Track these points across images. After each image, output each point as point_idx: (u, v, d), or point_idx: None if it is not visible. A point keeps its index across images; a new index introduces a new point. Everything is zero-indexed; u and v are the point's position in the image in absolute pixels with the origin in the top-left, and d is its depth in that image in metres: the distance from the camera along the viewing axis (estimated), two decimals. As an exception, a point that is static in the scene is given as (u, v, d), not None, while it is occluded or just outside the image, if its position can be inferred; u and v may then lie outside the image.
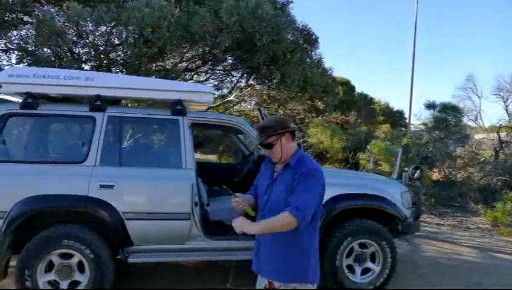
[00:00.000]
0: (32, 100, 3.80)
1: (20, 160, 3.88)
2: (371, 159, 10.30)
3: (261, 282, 2.48)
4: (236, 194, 2.52)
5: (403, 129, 15.88)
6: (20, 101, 3.89)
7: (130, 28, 5.98)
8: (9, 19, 6.50)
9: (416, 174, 5.11)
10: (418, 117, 16.21)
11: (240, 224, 2.28)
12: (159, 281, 4.67)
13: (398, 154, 5.68)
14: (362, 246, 4.34)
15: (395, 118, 18.86)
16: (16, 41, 7.05)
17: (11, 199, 3.56)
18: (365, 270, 4.37)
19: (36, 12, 6.19)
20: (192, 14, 6.13)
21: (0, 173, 3.64)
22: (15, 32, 7.03)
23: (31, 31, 6.58)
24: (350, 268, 4.33)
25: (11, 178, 3.65)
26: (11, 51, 7.14)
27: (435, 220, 9.03)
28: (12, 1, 6.31)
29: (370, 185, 4.56)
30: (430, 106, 13.14)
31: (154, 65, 6.88)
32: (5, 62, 7.30)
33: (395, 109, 20.07)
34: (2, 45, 7.22)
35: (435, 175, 11.82)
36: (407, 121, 13.65)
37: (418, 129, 15.08)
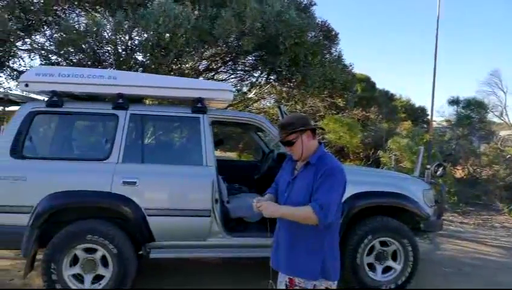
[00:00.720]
0: (57, 98, 3.89)
1: (46, 157, 3.97)
2: (392, 157, 10.18)
3: (282, 279, 2.49)
4: (257, 198, 2.52)
5: (425, 126, 15.63)
6: (46, 99, 3.99)
7: (146, 35, 6.07)
8: (33, 22, 6.67)
9: (438, 172, 5.04)
10: (441, 114, 15.93)
11: (265, 206, 2.33)
12: (179, 277, 4.73)
13: (420, 152, 5.59)
14: (383, 244, 4.30)
15: (417, 115, 18.55)
16: (40, 43, 7.24)
17: (37, 195, 3.66)
18: (386, 269, 4.33)
19: (59, 20, 6.34)
20: (213, 17, 6.14)
21: (27, 169, 3.73)
22: (37, 36, 7.22)
23: (54, 34, 6.74)
24: (371, 266, 4.30)
25: (37, 174, 3.75)
26: (35, 52, 7.33)
27: (458, 219, 8.89)
28: (34, 7, 6.46)
29: (391, 183, 4.52)
30: (453, 102, 12.90)
31: (170, 69, 6.94)
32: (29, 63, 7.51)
33: (417, 106, 19.74)
34: (28, 46, 7.41)
35: (459, 173, 11.62)
36: (429, 117, 13.42)
37: (441, 126, 14.83)
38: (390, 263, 4.32)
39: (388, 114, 15.56)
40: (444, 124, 14.66)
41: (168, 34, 5.76)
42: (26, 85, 3.87)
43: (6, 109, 4.40)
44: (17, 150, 3.77)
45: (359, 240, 4.20)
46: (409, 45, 57.24)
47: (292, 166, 2.52)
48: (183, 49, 5.99)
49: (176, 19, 5.68)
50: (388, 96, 18.07)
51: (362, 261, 4.21)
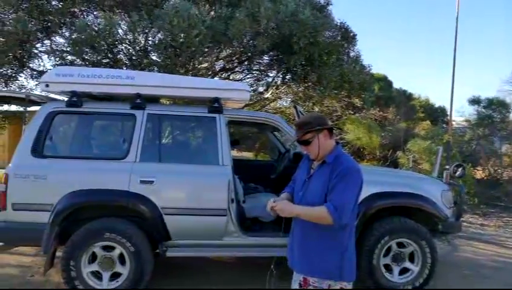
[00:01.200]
0: (77, 98, 3.96)
1: (65, 156, 4.06)
2: (410, 158, 10.05)
3: (297, 278, 2.49)
4: (273, 199, 2.53)
5: (444, 126, 15.38)
6: (66, 99, 4.07)
7: (161, 36, 6.12)
8: (51, 23, 6.80)
9: (458, 173, 4.95)
10: (461, 113, 15.62)
11: (280, 206, 2.35)
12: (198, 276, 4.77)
13: (439, 152, 5.51)
14: (400, 245, 4.26)
15: (436, 115, 18.26)
16: (58, 44, 7.39)
17: (57, 193, 3.74)
18: (404, 270, 4.28)
19: (74, 20, 6.45)
20: (227, 18, 6.16)
21: (47, 168, 3.81)
22: (57, 37, 7.36)
23: (72, 35, 6.87)
24: (388, 267, 4.26)
25: (57, 173, 3.83)
26: (54, 53, 7.47)
27: (478, 221, 8.73)
28: (51, 9, 6.59)
29: (409, 183, 4.46)
30: (474, 101, 12.66)
31: (186, 69, 6.99)
32: (47, 65, 7.66)
33: (436, 105, 19.42)
34: (47, 47, 7.56)
35: (479, 173, 11.40)
36: (448, 117, 13.20)
37: (461, 126, 14.56)
38: (407, 264, 4.27)
39: (406, 114, 15.36)
40: (464, 124, 14.39)
41: (182, 35, 5.80)
42: (47, 85, 3.95)
43: (28, 109, 4.50)
44: (38, 150, 3.86)
45: (376, 241, 4.16)
46: (428, 43, 56.41)
47: (308, 165, 2.52)
48: (197, 49, 6.02)
49: (190, 19, 5.71)
50: (406, 96, 17.83)
51: (379, 262, 4.18)
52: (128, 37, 6.40)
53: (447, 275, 4.96)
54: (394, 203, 4.28)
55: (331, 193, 2.26)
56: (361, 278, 4.04)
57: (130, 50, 6.75)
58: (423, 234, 4.24)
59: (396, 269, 4.27)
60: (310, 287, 2.35)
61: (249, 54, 7.42)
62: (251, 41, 6.77)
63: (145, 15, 6.12)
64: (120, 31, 6.38)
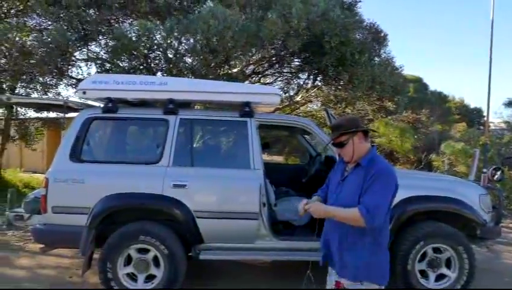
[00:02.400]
0: (112, 105, 4.08)
1: (102, 160, 4.19)
2: (445, 160, 9.78)
3: (330, 281, 2.48)
4: (305, 200, 2.52)
5: (481, 128, 14.89)
6: (102, 105, 4.20)
7: (195, 39, 6.22)
8: (89, 32, 7.04)
9: (496, 176, 4.79)
10: (499, 115, 15.09)
11: (314, 207, 2.38)
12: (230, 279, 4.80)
13: (476, 155, 5.34)
14: (436, 250, 4.15)
15: (472, 116, 17.73)
16: (95, 52, 7.64)
17: (94, 196, 3.85)
18: (440, 277, 4.17)
19: (112, 30, 6.66)
20: (259, 19, 6.21)
21: (85, 173, 3.94)
22: (93, 46, 7.62)
23: (109, 43, 7.09)
24: (423, 273, 4.15)
25: (94, 177, 3.95)
26: (92, 61, 7.73)
27: (518, 226, 8.38)
28: (89, 18, 6.82)
29: (445, 187, 4.35)
30: (510, 103, 12.19)
31: (220, 71, 7.08)
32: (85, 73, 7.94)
33: (472, 107, 18.87)
34: (84, 55, 7.84)
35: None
36: (485, 119, 12.76)
37: (499, 128, 14.05)
38: (444, 270, 4.15)
39: (441, 116, 14.98)
40: (502, 125, 13.88)
41: (216, 37, 5.88)
42: (84, 92, 4.09)
43: (65, 115, 4.67)
44: (75, 155, 3.99)
45: (411, 246, 4.07)
46: (464, 43, 54.85)
47: (343, 167, 2.51)
48: (231, 52, 6.08)
49: (225, 21, 5.78)
50: (441, 97, 17.41)
51: (414, 268, 4.08)
52: (163, 42, 6.54)
53: (486, 283, 4.78)
54: (430, 207, 4.18)
55: (364, 194, 2.25)
56: (395, 284, 3.96)
57: (165, 55, 6.90)
58: (460, 240, 4.12)
59: (432, 275, 4.15)
60: (343, 290, 2.34)
61: (280, 56, 7.43)
62: (282, 43, 6.78)
63: (179, 20, 6.24)
64: (156, 37, 6.52)
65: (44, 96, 7.39)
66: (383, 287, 2.35)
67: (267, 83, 8.99)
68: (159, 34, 6.39)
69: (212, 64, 6.55)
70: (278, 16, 6.10)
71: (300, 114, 10.12)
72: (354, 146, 2.38)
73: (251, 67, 8.46)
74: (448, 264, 4.16)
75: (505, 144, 11.49)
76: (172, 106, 4.11)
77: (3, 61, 8.22)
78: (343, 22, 6.34)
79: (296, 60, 7.82)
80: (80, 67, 7.85)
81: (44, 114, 9.61)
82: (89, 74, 7.69)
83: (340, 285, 2.39)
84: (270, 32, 6.09)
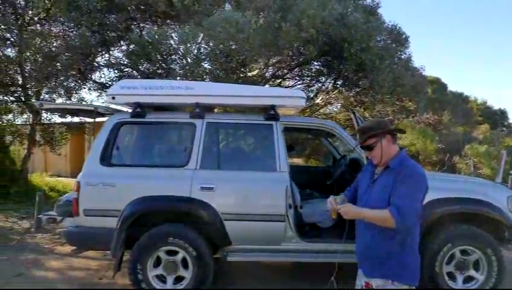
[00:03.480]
0: (140, 109, 4.17)
1: (131, 164, 4.28)
2: (470, 163, 9.65)
3: (359, 282, 2.51)
4: (332, 199, 2.54)
5: (505, 129, 14.64)
6: (130, 110, 4.29)
7: (210, 43, 6.29)
8: (110, 37, 7.19)
9: (524, 178, 4.73)
10: (523, 116, 14.79)
11: (344, 208, 2.38)
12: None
13: (503, 156, 5.27)
14: (464, 253, 4.12)
15: (495, 118, 17.41)
16: (117, 57, 7.80)
17: (124, 199, 3.94)
18: (468, 279, 4.13)
19: (129, 34, 6.79)
20: (277, 24, 6.22)
21: (115, 176, 4.03)
22: (115, 51, 7.78)
23: (128, 46, 7.23)
24: (451, 275, 4.13)
25: (124, 181, 4.04)
26: (113, 67, 7.90)
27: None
28: (108, 22, 6.97)
29: (473, 189, 4.32)
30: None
31: (235, 76, 7.14)
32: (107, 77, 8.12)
33: (495, 108, 18.54)
34: (105, 61, 8.01)
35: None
36: (510, 120, 12.54)
37: (523, 129, 13.79)
38: (472, 272, 4.12)
39: (463, 117, 14.77)
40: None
41: (230, 42, 5.92)
42: (113, 98, 4.18)
43: (88, 120, 4.78)
44: (106, 159, 4.09)
45: (438, 248, 4.05)
46: (486, 46, 53.91)
47: (372, 170, 2.53)
48: (246, 55, 6.11)
49: (238, 24, 5.82)
50: (462, 98, 17.16)
51: (441, 270, 4.06)
52: (180, 47, 6.64)
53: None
54: (458, 209, 4.14)
55: (394, 196, 2.27)
56: (422, 285, 3.94)
57: (183, 60, 6.99)
58: (488, 242, 4.08)
59: (460, 277, 4.13)
60: (373, 290, 2.36)
61: (299, 61, 7.45)
62: (301, 49, 6.79)
63: (194, 24, 6.32)
64: (172, 42, 6.62)
65: (75, 102, 7.57)
66: (413, 288, 2.36)
67: (287, 86, 9.00)
68: (176, 39, 6.47)
69: (228, 68, 6.60)
70: (292, 24, 6.10)
71: (320, 116, 10.11)
72: (382, 149, 2.40)
73: (270, 70, 8.49)
74: (476, 266, 4.12)
75: (530, 145, 11.27)
76: (199, 110, 4.18)
77: (28, 67, 8.48)
78: (364, 27, 6.31)
79: (315, 64, 7.82)
80: (102, 71, 8.02)
81: (69, 119, 9.80)
82: (114, 77, 7.84)
83: (369, 286, 2.41)
84: (287, 42, 6.09)
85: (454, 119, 14.13)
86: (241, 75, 7.38)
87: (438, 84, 16.19)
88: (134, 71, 7.45)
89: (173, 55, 6.93)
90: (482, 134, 12.11)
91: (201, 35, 6.31)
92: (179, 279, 3.99)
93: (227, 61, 6.40)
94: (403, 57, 7.99)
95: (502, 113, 17.69)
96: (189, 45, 6.62)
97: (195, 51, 6.89)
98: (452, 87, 17.56)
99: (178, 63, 7.17)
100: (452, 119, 14.03)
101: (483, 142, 10.94)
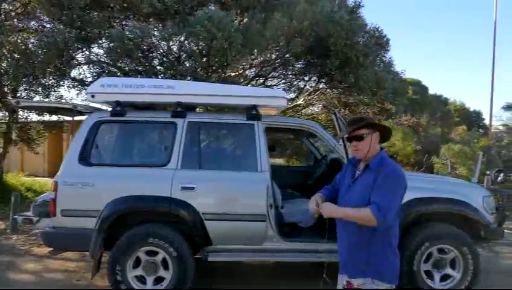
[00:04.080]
0: (120, 108, 4.11)
1: (111, 163, 4.22)
2: (447, 163, 9.84)
3: (340, 282, 2.52)
4: (314, 200, 2.53)
5: (480, 130, 14.96)
6: (110, 109, 4.23)
7: (193, 42, 6.25)
8: (90, 35, 7.07)
9: (499, 178, 4.87)
10: (498, 118, 15.14)
11: (324, 207, 2.39)
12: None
13: (479, 157, 5.40)
14: (441, 251, 4.19)
15: (472, 119, 17.81)
16: (97, 55, 7.67)
17: (103, 200, 3.88)
18: (445, 277, 4.21)
19: (108, 32, 6.69)
20: (263, 21, 6.23)
21: (94, 176, 3.97)
22: (95, 48, 7.65)
23: (109, 44, 7.11)
24: (428, 274, 4.20)
25: (103, 180, 3.97)
26: (93, 64, 7.77)
27: (520, 227, 8.43)
28: (90, 20, 6.85)
29: (449, 189, 4.41)
30: (509, 107, 12.23)
31: (216, 75, 7.12)
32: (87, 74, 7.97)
33: (472, 110, 18.97)
34: (85, 58, 7.87)
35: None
36: (485, 122, 12.84)
37: (498, 130, 14.12)
38: (448, 271, 4.19)
39: (441, 119, 15.05)
40: (501, 128, 13.95)
41: (212, 41, 5.89)
42: (93, 96, 4.11)
43: (66, 118, 4.70)
44: (84, 158, 4.02)
45: (416, 247, 4.11)
46: (464, 47, 55.02)
47: (353, 169, 2.54)
48: (226, 54, 6.09)
49: (219, 23, 5.79)
50: (441, 100, 17.49)
51: (419, 268, 4.13)
52: (162, 44, 6.57)
53: (489, 283, 4.82)
54: (435, 209, 4.22)
55: (375, 194, 2.28)
56: (401, 284, 4.00)
57: (164, 58, 6.92)
58: (465, 240, 4.16)
59: (437, 276, 4.20)
60: None
61: (285, 58, 7.46)
62: (286, 45, 6.80)
63: (178, 23, 6.26)
64: (154, 39, 6.55)
65: (53, 100, 7.42)
66: (394, 287, 2.39)
67: (270, 86, 9.02)
68: (157, 36, 6.40)
69: (208, 67, 6.56)
70: (283, 15, 6.11)
71: (302, 117, 10.16)
72: (371, 142, 2.41)
73: (253, 70, 8.49)
74: (453, 264, 4.20)
75: (504, 147, 11.56)
76: (180, 109, 4.15)
77: (4, 64, 8.26)
78: (349, 24, 6.38)
79: (300, 62, 7.85)
80: (82, 68, 7.87)
81: (46, 117, 9.59)
82: (92, 75, 7.71)
83: (351, 285, 2.42)
84: (275, 30, 6.09)
85: (434, 121, 14.38)
86: (223, 75, 7.35)
87: (419, 87, 16.45)
88: (112, 68, 7.34)
89: (154, 52, 6.86)
90: (459, 135, 12.35)
91: (183, 33, 6.26)
92: (159, 280, 3.94)
93: (208, 60, 6.36)
94: (384, 60, 8.12)
95: (478, 115, 18.13)
96: (171, 43, 6.57)
97: (176, 49, 6.84)
98: (431, 89, 17.84)
99: (159, 61, 7.10)
100: (431, 121, 14.28)
101: (460, 143, 11.16)
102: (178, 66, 6.82)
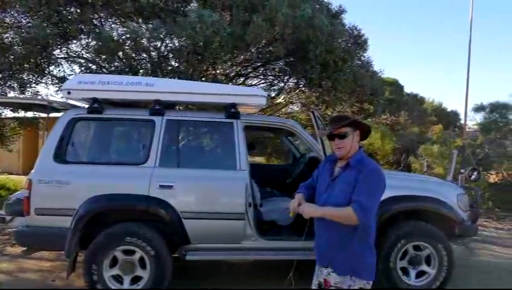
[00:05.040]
0: (98, 105, 4.05)
1: (87, 161, 4.15)
2: (424, 162, 10.03)
3: (316, 280, 2.54)
4: (296, 201, 2.52)
5: (456, 130, 15.28)
6: (86, 106, 4.16)
7: (182, 42, 6.19)
8: (70, 30, 6.92)
9: (473, 176, 4.97)
10: (473, 118, 15.50)
11: (305, 207, 2.39)
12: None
13: (454, 156, 5.51)
14: (417, 248, 4.27)
15: (449, 119, 18.15)
16: (76, 51, 7.51)
17: (79, 198, 3.81)
18: (420, 273, 4.29)
19: (95, 29, 6.56)
20: (245, 23, 6.21)
21: (70, 174, 3.90)
22: (74, 45, 7.49)
23: (90, 42, 6.97)
24: (404, 270, 4.27)
25: (79, 178, 3.91)
26: (72, 60, 7.61)
27: (492, 224, 8.68)
28: (70, 16, 6.71)
29: (425, 187, 4.49)
30: (479, 108, 12.46)
31: (203, 74, 7.07)
32: (67, 71, 7.80)
33: (449, 109, 19.34)
34: (65, 54, 7.70)
35: (492, 177, 11.32)
36: (461, 121, 13.11)
37: (472, 130, 14.46)
38: (424, 267, 4.28)
39: (418, 118, 15.31)
40: (476, 128, 14.28)
41: (202, 42, 5.86)
42: (69, 92, 4.04)
43: (43, 115, 4.60)
44: (60, 155, 3.95)
45: (392, 244, 4.18)
46: (440, 47, 56.08)
47: (331, 168, 2.55)
48: (218, 55, 6.07)
49: (213, 26, 5.78)
50: (418, 99, 17.78)
51: (395, 265, 4.20)
52: (149, 44, 6.48)
53: (464, 278, 4.95)
54: (411, 206, 4.30)
55: (357, 193, 2.30)
56: (378, 281, 4.06)
57: (151, 58, 6.84)
58: (439, 237, 4.26)
59: (413, 272, 4.28)
60: (332, 288, 2.39)
61: (265, 58, 7.47)
62: (267, 47, 6.80)
63: (165, 22, 6.19)
64: (143, 39, 6.46)
65: (27, 96, 7.23)
66: (371, 283, 2.42)
67: (250, 85, 9.01)
68: (145, 36, 6.33)
69: (199, 68, 6.53)
70: (264, 19, 6.12)
71: (282, 115, 10.19)
72: (352, 141, 2.43)
73: (234, 68, 8.47)
74: (428, 261, 4.28)
75: (478, 146, 11.83)
76: (159, 107, 4.11)
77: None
78: (329, 30, 6.43)
79: (280, 63, 7.88)
80: (61, 65, 7.69)
81: (22, 114, 9.34)
82: (72, 71, 7.56)
83: (328, 283, 2.43)
84: (256, 36, 6.10)
85: (411, 120, 14.61)
86: (209, 74, 7.33)
87: (395, 86, 16.68)
88: (93, 65, 7.21)
89: (143, 53, 6.77)
90: (436, 134, 12.58)
91: (171, 33, 6.19)
92: (136, 279, 3.90)
93: (198, 60, 6.32)
94: (362, 59, 8.21)
95: (455, 115, 18.51)
96: (157, 42, 6.49)
97: (163, 48, 6.76)
98: (407, 88, 18.11)
99: (146, 61, 7.01)
100: (408, 120, 14.51)
101: (436, 142, 11.37)
102: (164, 66, 6.75)
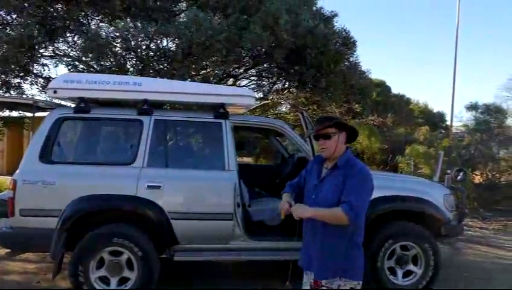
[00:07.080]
0: (84, 105, 4.00)
1: (73, 161, 4.10)
2: (410, 162, 10.11)
3: (307, 280, 2.53)
4: (286, 203, 2.53)
5: (443, 131, 15.45)
6: (73, 105, 4.11)
7: (176, 42, 6.14)
8: (56, 28, 6.82)
9: (459, 177, 5.01)
10: (459, 119, 15.69)
11: (294, 208, 2.39)
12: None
13: (440, 156, 5.56)
14: (404, 248, 4.30)
15: (435, 120, 18.33)
16: (62, 50, 7.41)
17: (65, 199, 3.76)
18: (407, 273, 4.32)
19: (81, 27, 6.47)
20: (241, 28, 6.18)
21: (56, 174, 3.84)
22: (61, 43, 7.38)
23: (77, 40, 6.88)
24: (392, 270, 4.30)
25: (65, 179, 3.86)
26: (59, 59, 7.50)
27: (477, 224, 8.80)
28: (55, 13, 6.61)
29: (411, 188, 4.52)
30: (471, 107, 12.68)
31: (192, 74, 7.03)
32: (52, 69, 7.69)
33: (435, 111, 19.52)
34: (51, 52, 7.58)
35: (477, 178, 11.47)
36: (448, 122, 13.27)
37: (459, 131, 14.62)
38: (411, 267, 4.31)
39: (405, 119, 15.44)
40: (462, 129, 14.46)
41: (197, 44, 5.82)
42: (55, 92, 3.98)
43: (29, 114, 4.53)
44: (46, 155, 3.89)
45: (380, 244, 4.21)
46: (427, 48, 56.62)
47: (319, 169, 2.55)
48: (213, 58, 6.03)
49: (210, 29, 5.74)
50: (404, 101, 17.92)
51: (383, 265, 4.22)
52: (140, 44, 6.42)
53: (450, 278, 5.00)
54: (398, 207, 4.33)
55: (346, 193, 2.31)
56: (365, 280, 4.08)
57: (141, 57, 6.78)
58: (426, 237, 4.29)
59: (400, 272, 4.31)
60: (323, 288, 2.39)
61: (257, 61, 7.48)
62: (264, 54, 6.82)
63: (157, 22, 6.14)
64: (135, 38, 6.39)
65: (13, 95, 7.11)
66: (361, 283, 2.43)
67: (241, 86, 9.00)
68: (136, 35, 6.26)
69: (190, 69, 6.49)
70: (262, 26, 6.09)
71: (270, 116, 10.20)
72: (338, 142, 2.43)
73: (224, 68, 8.43)
74: (415, 261, 4.32)
75: (464, 147, 11.99)
76: (147, 107, 4.08)
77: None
78: (324, 34, 6.47)
79: (273, 65, 7.88)
80: (46, 64, 7.58)
81: (6, 113, 9.18)
82: (57, 70, 7.45)
83: (318, 283, 2.44)
84: (253, 43, 6.08)
85: (398, 121, 14.73)
86: (201, 73, 7.30)
87: (383, 87, 16.79)
88: (81, 64, 7.11)
89: (133, 52, 6.70)
90: (422, 135, 12.69)
91: (165, 34, 6.14)
92: (123, 280, 3.85)
93: (192, 63, 6.29)
94: (351, 60, 8.25)
95: (441, 116, 18.71)
96: (148, 42, 6.44)
97: (155, 48, 6.70)
98: (395, 90, 18.23)
99: (136, 60, 6.94)
100: (395, 121, 14.62)
101: (423, 143, 11.48)
102: (155, 66, 6.70)
